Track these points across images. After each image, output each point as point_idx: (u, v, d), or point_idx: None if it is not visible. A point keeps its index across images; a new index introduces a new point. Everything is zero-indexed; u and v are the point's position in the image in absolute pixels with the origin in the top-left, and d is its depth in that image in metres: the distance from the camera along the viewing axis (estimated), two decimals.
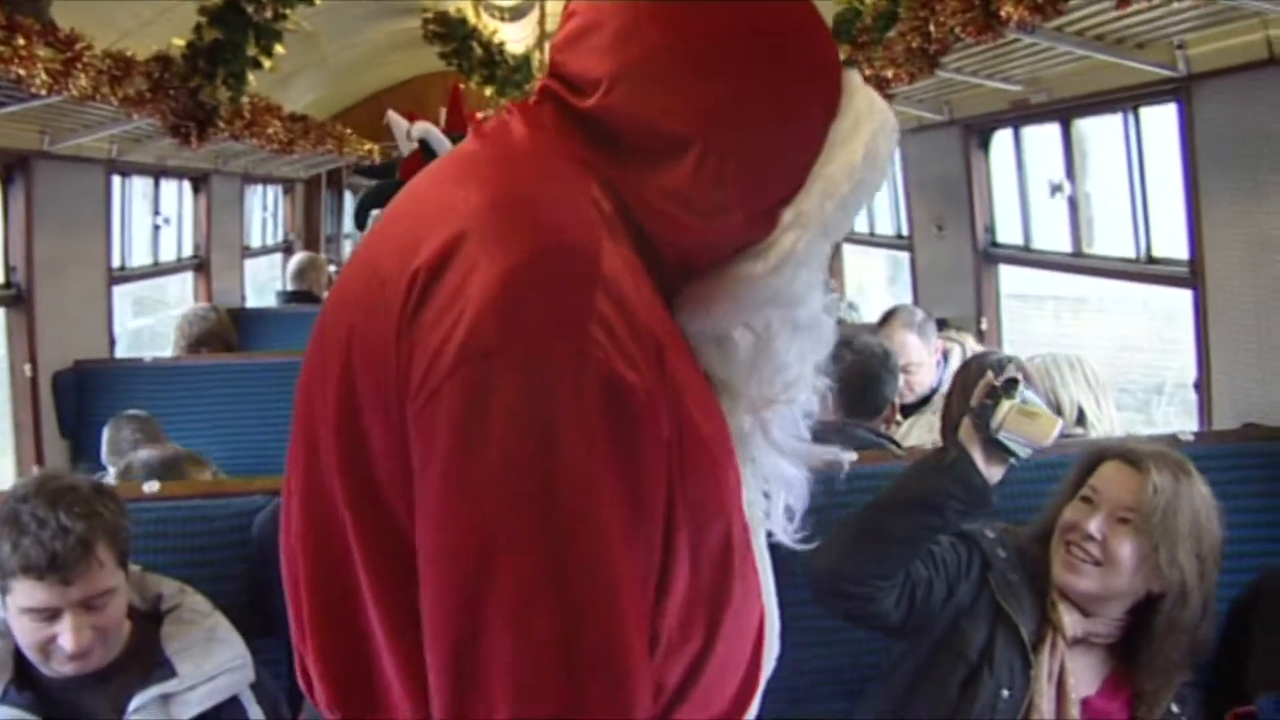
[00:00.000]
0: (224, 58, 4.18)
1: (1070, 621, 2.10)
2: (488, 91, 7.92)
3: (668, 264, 1.03)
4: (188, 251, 6.56)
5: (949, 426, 2.82)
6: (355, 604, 1.00)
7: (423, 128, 1.89)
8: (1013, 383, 2.11)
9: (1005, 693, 2.07)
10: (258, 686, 2.04)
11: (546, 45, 8.17)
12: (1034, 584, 2.14)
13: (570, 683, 0.88)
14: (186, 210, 6.55)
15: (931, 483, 2.11)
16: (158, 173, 5.90)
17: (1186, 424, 3.57)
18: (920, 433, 3.76)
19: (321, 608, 1.04)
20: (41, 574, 1.79)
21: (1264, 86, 2.95)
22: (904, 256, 5.96)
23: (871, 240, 6.40)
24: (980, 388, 2.14)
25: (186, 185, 6.51)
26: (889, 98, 4.24)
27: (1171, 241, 3.59)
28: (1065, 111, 4.24)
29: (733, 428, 1.08)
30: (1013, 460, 2.10)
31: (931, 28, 3.76)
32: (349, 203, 11.75)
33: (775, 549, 1.19)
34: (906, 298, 5.67)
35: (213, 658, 1.99)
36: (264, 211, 8.66)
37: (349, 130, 8.77)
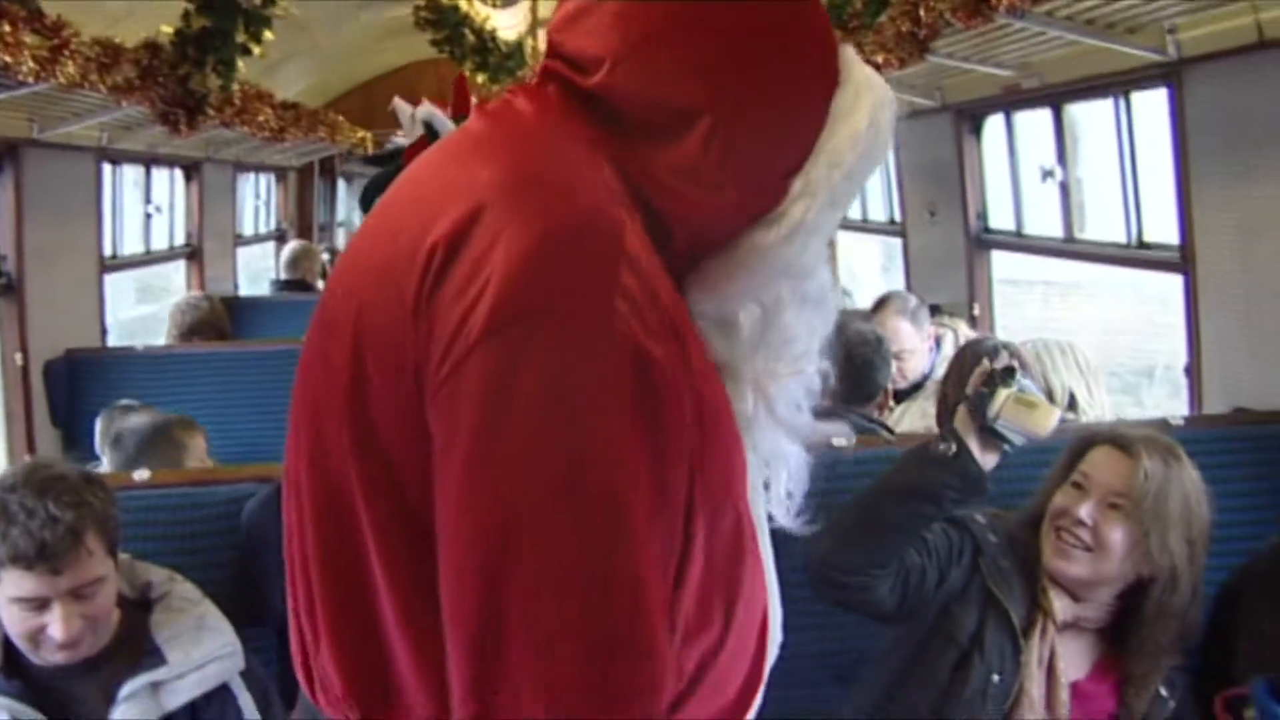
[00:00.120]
0: (213, 45, 4.17)
1: (1060, 606, 2.10)
2: (480, 79, 7.90)
3: (676, 246, 1.02)
4: (180, 240, 6.54)
5: (945, 413, 2.82)
6: (368, 588, 0.99)
7: (427, 110, 1.88)
8: (1010, 371, 2.10)
9: (995, 677, 2.08)
10: (247, 674, 2.04)
11: (539, 32, 8.16)
12: (1024, 569, 2.14)
13: (596, 665, 0.86)
14: (179, 198, 6.53)
15: (928, 472, 2.10)
16: (149, 161, 5.88)
17: (1175, 406, 3.58)
18: (913, 419, 3.76)
19: (334, 592, 1.02)
20: (30, 563, 1.79)
21: (1254, 70, 2.95)
22: (897, 242, 5.95)
23: (864, 226, 6.39)
24: (976, 375, 2.13)
25: (178, 173, 6.49)
26: None
27: (1163, 226, 3.59)
28: (1057, 96, 4.23)
29: (736, 412, 1.07)
30: (1006, 448, 2.10)
31: (922, 12, 3.75)
32: (342, 191, 11.74)
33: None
34: (900, 283, 5.67)
35: (202, 645, 1.99)
36: (257, 200, 8.65)
37: (341, 118, 8.75)
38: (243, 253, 7.78)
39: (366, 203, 1.98)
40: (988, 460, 2.09)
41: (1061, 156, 4.31)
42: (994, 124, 4.93)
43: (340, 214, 11.71)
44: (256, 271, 8.24)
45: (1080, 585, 2.09)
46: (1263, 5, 2.80)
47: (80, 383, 4.35)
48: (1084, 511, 2.07)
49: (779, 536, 1.20)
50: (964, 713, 2.07)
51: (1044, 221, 4.59)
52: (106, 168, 5.21)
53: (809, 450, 1.19)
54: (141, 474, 2.52)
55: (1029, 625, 2.10)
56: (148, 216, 5.98)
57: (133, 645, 1.96)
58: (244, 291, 7.30)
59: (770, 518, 1.18)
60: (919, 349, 3.96)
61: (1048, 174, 4.35)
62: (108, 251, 5.25)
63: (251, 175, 8.32)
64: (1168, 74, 3.33)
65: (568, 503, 0.86)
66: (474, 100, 1.92)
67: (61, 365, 4.36)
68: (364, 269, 1.00)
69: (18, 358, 4.26)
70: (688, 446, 0.94)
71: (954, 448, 2.09)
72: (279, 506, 2.37)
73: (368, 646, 1.00)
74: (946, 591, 2.14)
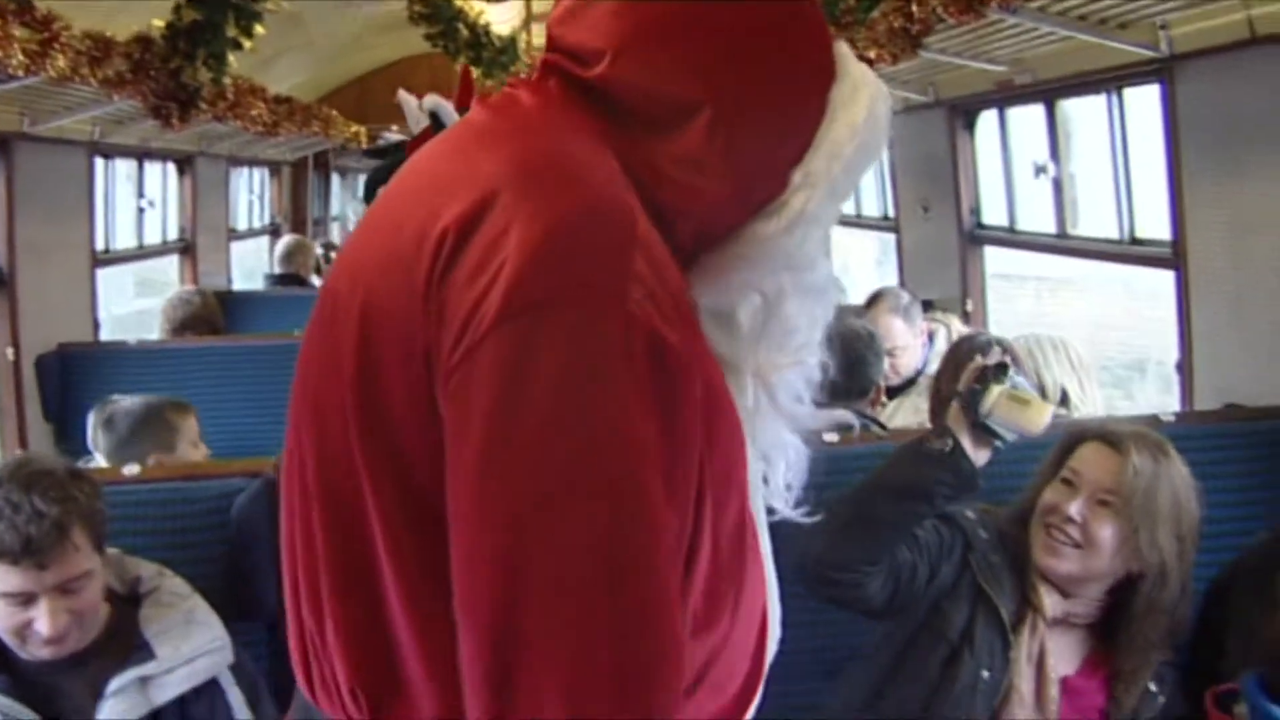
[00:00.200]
0: (204, 38, 4.16)
1: (1050, 602, 2.10)
2: (474, 74, 7.86)
3: (679, 239, 1.02)
4: (173, 234, 6.53)
5: (938, 409, 2.82)
6: (374, 578, 0.98)
7: (434, 100, 1.87)
8: (1003, 367, 2.10)
9: (985, 673, 2.08)
10: (237, 668, 2.03)
11: (533, 26, 8.15)
12: (1014, 565, 2.14)
13: (618, 651, 0.85)
14: (172, 193, 6.52)
15: (921, 469, 2.10)
16: (141, 155, 5.87)
17: (1167, 401, 3.58)
18: (905, 414, 3.76)
19: (341, 584, 1.01)
20: (16, 558, 1.79)
21: (1245, 66, 2.95)
22: (891, 238, 5.96)
23: (859, 222, 6.39)
24: (969, 372, 2.13)
25: (171, 168, 6.48)
26: None
27: (1156, 222, 3.59)
28: (1049, 92, 4.24)
29: (737, 405, 1.07)
30: (998, 444, 2.10)
31: (914, 8, 3.76)
32: (336, 185, 11.73)
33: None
34: (893, 279, 5.67)
35: (191, 640, 1.98)
36: (250, 194, 8.65)
37: (335, 112, 8.73)
38: (238, 251, 7.77)
39: (370, 194, 1.97)
40: (979, 456, 2.09)
41: (1054, 152, 4.31)
42: (987, 120, 4.94)
43: (334, 208, 11.70)
44: (251, 269, 8.22)
45: (1070, 582, 2.09)
46: (1254, 1, 2.80)
47: (72, 377, 4.33)
48: (1074, 509, 2.07)
49: (772, 534, 1.20)
50: (954, 709, 2.07)
51: (1037, 217, 4.60)
52: (99, 162, 5.20)
53: (807, 442, 1.19)
54: (131, 469, 2.51)
55: (1019, 621, 2.10)
56: (140, 211, 5.97)
57: (121, 640, 1.96)
58: (238, 289, 7.28)
59: (771, 511, 1.18)
60: (911, 345, 3.96)
61: (1040, 170, 4.35)
62: (100, 246, 5.25)
63: (245, 170, 8.32)
64: (1159, 70, 3.33)
65: (586, 487, 0.86)
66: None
67: (54, 360, 4.34)
68: (368, 259, 1.00)
69: (9, 352, 4.25)
70: (699, 433, 0.93)
71: (950, 444, 2.08)
72: (269, 501, 2.39)
73: (374, 636, 0.99)
74: (937, 588, 2.14)
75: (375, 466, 0.96)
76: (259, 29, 4.43)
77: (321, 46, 7.99)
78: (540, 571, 0.85)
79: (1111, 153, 3.85)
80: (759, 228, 1.06)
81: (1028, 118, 4.57)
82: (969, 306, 4.96)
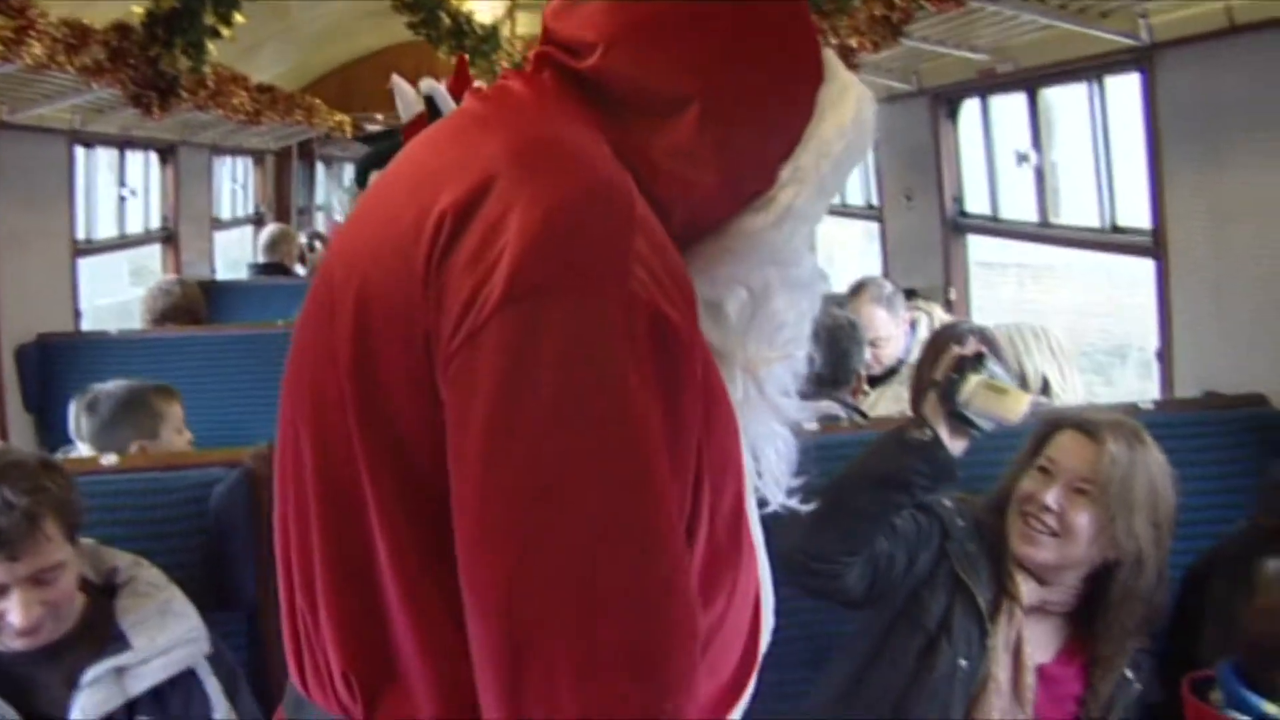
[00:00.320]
0: (181, 26, 4.13)
1: (1026, 590, 2.11)
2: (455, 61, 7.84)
3: (672, 230, 1.01)
4: (156, 224, 6.50)
5: (919, 398, 2.82)
6: (371, 567, 0.98)
7: (430, 84, 1.86)
8: (980, 357, 2.10)
9: (963, 662, 2.08)
10: (215, 659, 2.03)
11: (517, 15, 8.13)
12: (991, 554, 2.15)
13: (629, 630, 0.85)
14: (154, 182, 6.49)
15: (899, 460, 2.10)
16: (123, 143, 5.84)
17: (1146, 385, 3.59)
18: (887, 403, 3.77)
19: (336, 571, 1.01)
20: None
21: (1225, 55, 2.96)
22: (875, 227, 5.96)
23: (844, 211, 6.40)
24: (945, 361, 2.13)
25: (153, 156, 6.45)
26: (855, 67, 4.25)
27: (1137, 211, 3.60)
28: (1031, 81, 4.24)
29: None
30: (975, 433, 2.10)
31: None
32: (321, 174, 11.69)
33: None
34: (877, 267, 5.68)
35: (167, 630, 1.97)
36: (234, 183, 8.62)
37: (318, 101, 8.70)
38: (221, 241, 7.74)
39: (362, 179, 1.97)
40: (956, 446, 2.09)
41: (1036, 141, 4.32)
42: (970, 108, 4.94)
43: (319, 198, 11.66)
44: (234, 259, 8.19)
45: (1047, 570, 2.09)
46: None
47: (53, 367, 4.32)
48: (1050, 498, 2.07)
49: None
50: (931, 697, 2.08)
51: (1019, 206, 4.61)
52: (79, 150, 5.17)
53: (794, 432, 1.20)
54: (109, 459, 2.51)
55: (996, 610, 2.11)
56: (122, 200, 5.94)
57: (97, 631, 1.95)
58: (222, 279, 7.25)
59: (763, 504, 1.18)
60: (894, 335, 3.97)
61: (1023, 158, 4.36)
62: (81, 235, 5.22)
63: (229, 158, 8.28)
64: (1139, 59, 3.33)
65: (592, 469, 0.86)
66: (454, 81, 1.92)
67: (34, 350, 4.33)
68: (364, 247, 0.99)
69: None
70: (699, 414, 0.94)
71: (929, 434, 2.08)
72: (248, 491, 2.38)
73: (369, 624, 0.99)
74: (915, 576, 2.15)
75: (374, 455, 0.96)
76: (238, 17, 4.40)
77: (305, 35, 7.97)
78: (549, 554, 0.85)
79: (1093, 141, 3.86)
80: (746, 221, 1.07)
81: (1010, 106, 4.58)
82: (952, 294, 4.97)
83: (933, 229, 5.14)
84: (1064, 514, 2.07)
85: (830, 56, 1.11)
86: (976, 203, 4.98)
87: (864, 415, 3.20)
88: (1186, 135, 3.17)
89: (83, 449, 3.04)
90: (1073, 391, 3.24)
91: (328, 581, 1.01)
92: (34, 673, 1.89)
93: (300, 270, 6.94)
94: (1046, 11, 3.46)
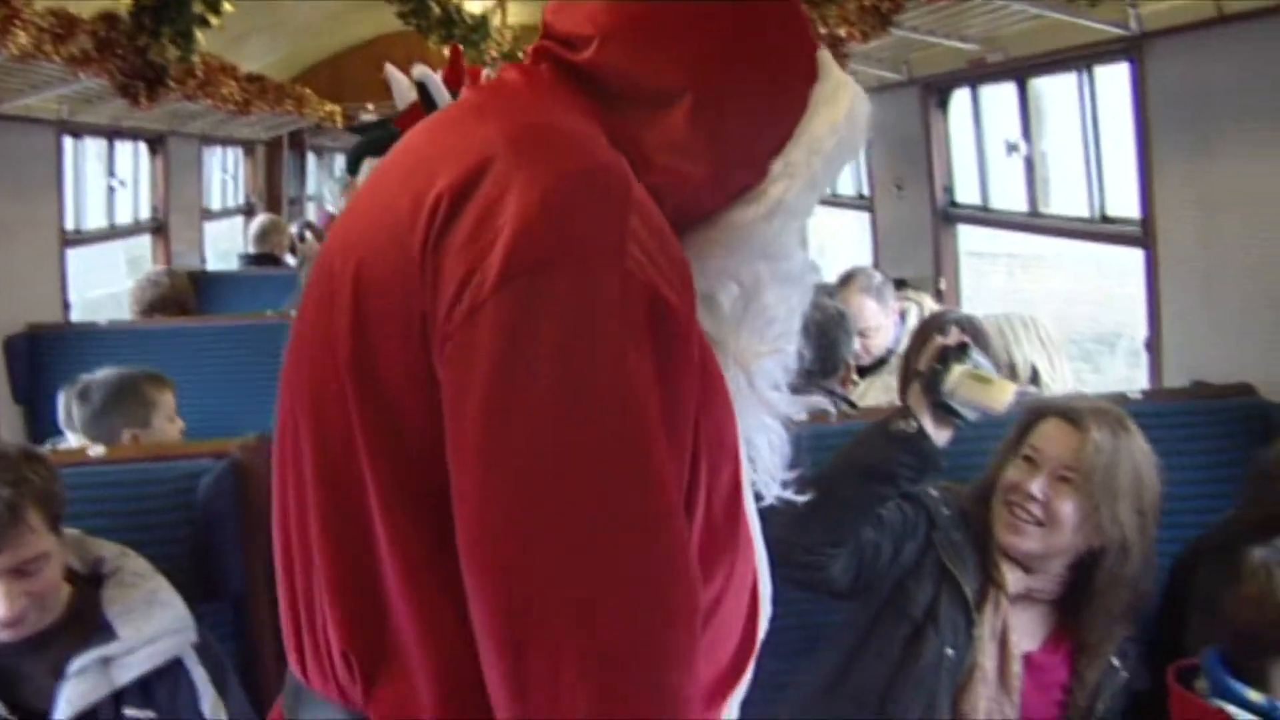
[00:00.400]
0: (169, 15, 4.11)
1: (1012, 579, 2.11)
2: (445, 51, 7.81)
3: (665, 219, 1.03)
4: (145, 214, 6.48)
5: (907, 387, 2.82)
6: (371, 551, 0.98)
7: (422, 71, 1.85)
8: (964, 347, 2.10)
9: (949, 650, 2.09)
10: (202, 649, 2.02)
11: (507, 5, 8.11)
12: (977, 543, 2.15)
13: (632, 607, 0.85)
14: (143, 172, 6.46)
15: (883, 451, 2.10)
16: (112, 134, 5.82)
17: (1135, 374, 3.60)
18: (877, 393, 3.77)
19: (337, 555, 1.01)
20: None
21: (1214, 45, 2.96)
22: (866, 216, 5.96)
23: (835, 201, 6.40)
24: (929, 351, 2.13)
25: (143, 147, 6.42)
26: (845, 56, 4.25)
27: (1127, 201, 3.60)
28: (1021, 70, 4.24)
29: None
30: (959, 422, 2.11)
31: None
32: (312, 165, 11.66)
33: None
34: (868, 257, 5.68)
35: (154, 620, 1.97)
36: (224, 173, 8.58)
37: (308, 91, 8.67)
38: (212, 233, 7.72)
39: (354, 166, 1.96)
40: (941, 436, 2.09)
41: (1026, 131, 4.32)
42: (960, 98, 4.94)
43: (310, 188, 11.64)
44: (224, 251, 8.16)
45: (1032, 558, 2.10)
46: None
47: (43, 359, 4.30)
48: (1035, 486, 2.08)
49: None
50: (917, 687, 2.08)
51: (1009, 195, 4.61)
52: (68, 141, 5.15)
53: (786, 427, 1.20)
54: (96, 450, 2.51)
55: (982, 598, 2.12)
56: (111, 190, 5.92)
57: (83, 621, 1.94)
58: (212, 269, 7.23)
59: (759, 497, 1.18)
60: (884, 325, 3.96)
61: (1013, 148, 4.36)
62: (70, 226, 5.19)
63: (219, 149, 8.25)
64: (1129, 48, 3.33)
65: (592, 447, 0.86)
66: (472, 68, 1.93)
67: (23, 341, 4.31)
68: (361, 235, 0.99)
69: None
70: (696, 393, 0.94)
71: (914, 425, 2.08)
72: (235, 482, 2.38)
73: (368, 605, 0.99)
74: (901, 566, 2.15)
75: (374, 443, 0.96)
76: (227, 6, 4.38)
77: (295, 24, 7.94)
78: (550, 534, 0.85)
79: (1082, 131, 3.86)
80: (737, 214, 1.08)
81: (1000, 96, 4.57)
82: (942, 284, 4.97)
83: (923, 219, 5.14)
84: (1049, 502, 2.07)
85: (825, 55, 1.12)
86: (967, 192, 4.98)
87: (853, 405, 3.20)
88: (1176, 125, 3.17)
89: (72, 440, 3.03)
90: (1062, 381, 3.24)
91: (328, 568, 1.02)
92: (19, 664, 1.89)
93: (291, 261, 6.92)
94: (1036, 1, 3.45)
